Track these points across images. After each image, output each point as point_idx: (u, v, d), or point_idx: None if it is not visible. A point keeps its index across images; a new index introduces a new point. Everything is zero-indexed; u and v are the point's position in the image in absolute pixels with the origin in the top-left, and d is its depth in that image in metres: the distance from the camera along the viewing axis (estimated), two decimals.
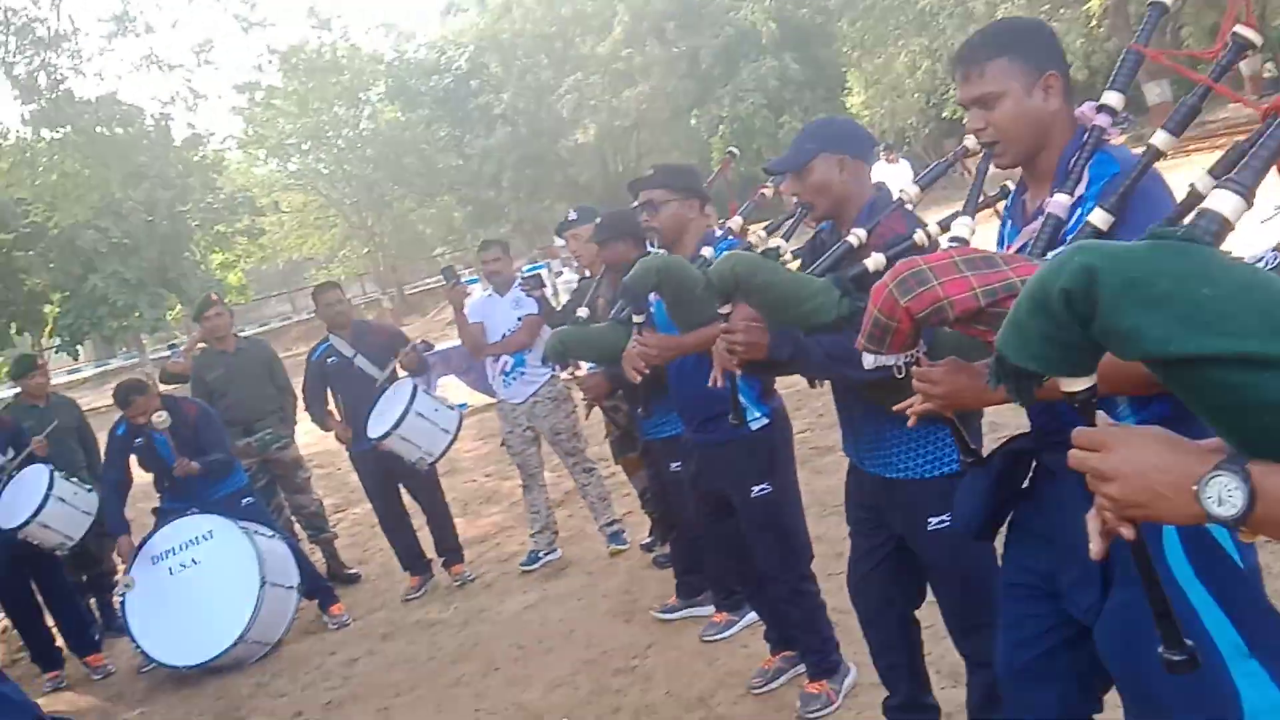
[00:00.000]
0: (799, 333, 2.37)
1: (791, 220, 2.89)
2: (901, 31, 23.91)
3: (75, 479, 5.45)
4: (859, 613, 2.89)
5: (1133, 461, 1.08)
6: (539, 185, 30.95)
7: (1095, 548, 1.19)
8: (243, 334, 7.04)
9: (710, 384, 2.76)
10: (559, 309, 5.27)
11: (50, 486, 5.19)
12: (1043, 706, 1.96)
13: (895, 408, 1.99)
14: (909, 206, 2.30)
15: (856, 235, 2.30)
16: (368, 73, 34.13)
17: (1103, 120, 1.78)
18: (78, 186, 12.33)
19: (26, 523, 5.11)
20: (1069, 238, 1.71)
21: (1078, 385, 1.14)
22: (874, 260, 2.12)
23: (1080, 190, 1.74)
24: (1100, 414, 1.18)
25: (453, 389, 10.03)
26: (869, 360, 1.80)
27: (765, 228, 3.19)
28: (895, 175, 11.31)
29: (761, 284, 2.19)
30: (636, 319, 3.27)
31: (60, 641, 5.63)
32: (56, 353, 27.51)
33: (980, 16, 19.73)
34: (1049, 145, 1.86)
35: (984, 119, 1.87)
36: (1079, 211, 1.73)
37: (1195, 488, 1.01)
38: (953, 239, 1.85)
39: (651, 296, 3.25)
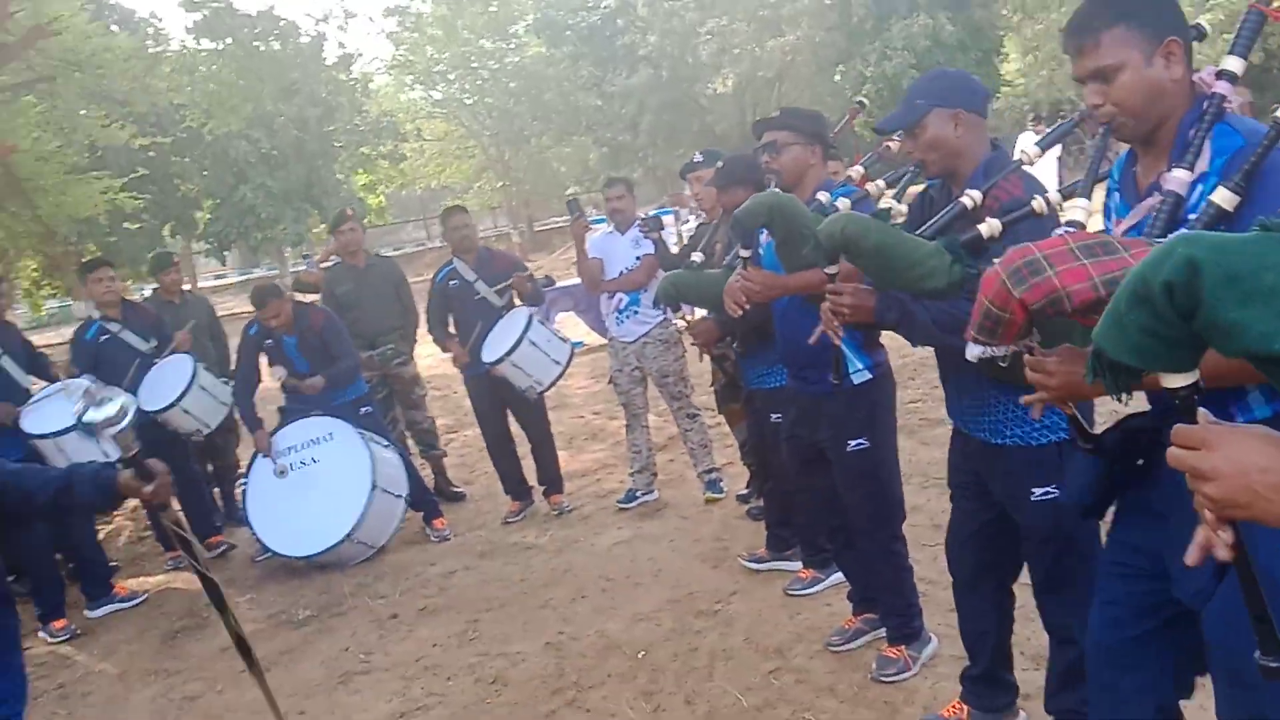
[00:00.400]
0: (907, 297, 2.34)
1: (908, 177, 2.84)
2: None
3: (210, 371, 5.77)
4: (955, 577, 2.87)
5: (1234, 461, 1.05)
6: (676, 132, 30.72)
7: (1192, 556, 1.17)
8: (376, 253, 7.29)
9: (811, 341, 2.74)
10: (676, 254, 5.27)
11: (194, 375, 5.54)
12: (1130, 689, 1.92)
13: (1024, 400, 1.91)
14: (1027, 167, 2.23)
15: (971, 197, 2.24)
16: (515, 4, 34.36)
17: (1223, 87, 1.68)
18: (232, 96, 12.87)
19: (170, 406, 5.46)
20: (1190, 218, 1.63)
21: (1179, 381, 1.11)
22: (989, 226, 2.06)
23: (1202, 166, 1.65)
24: (1202, 411, 1.14)
25: (570, 326, 10.22)
26: (974, 351, 1.74)
27: (885, 179, 3.15)
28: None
29: (872, 246, 2.14)
30: (744, 254, 3.23)
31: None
32: (205, 257, 29.02)
33: None
34: (1170, 116, 1.75)
35: (1102, 93, 1.76)
36: (1200, 188, 1.64)
37: None
38: (1068, 224, 1.77)
39: (763, 237, 3.24)
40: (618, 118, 31.02)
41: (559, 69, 32.60)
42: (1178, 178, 1.66)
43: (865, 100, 5.07)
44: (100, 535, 5.86)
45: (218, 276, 33.50)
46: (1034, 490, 2.48)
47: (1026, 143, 2.70)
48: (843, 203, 3.06)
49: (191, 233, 26.79)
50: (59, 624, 4.95)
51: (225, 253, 28.37)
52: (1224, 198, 1.53)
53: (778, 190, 3.15)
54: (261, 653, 4.36)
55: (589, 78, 31.56)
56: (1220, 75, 1.71)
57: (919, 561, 3.58)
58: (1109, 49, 1.74)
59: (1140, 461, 1.89)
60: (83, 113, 12.91)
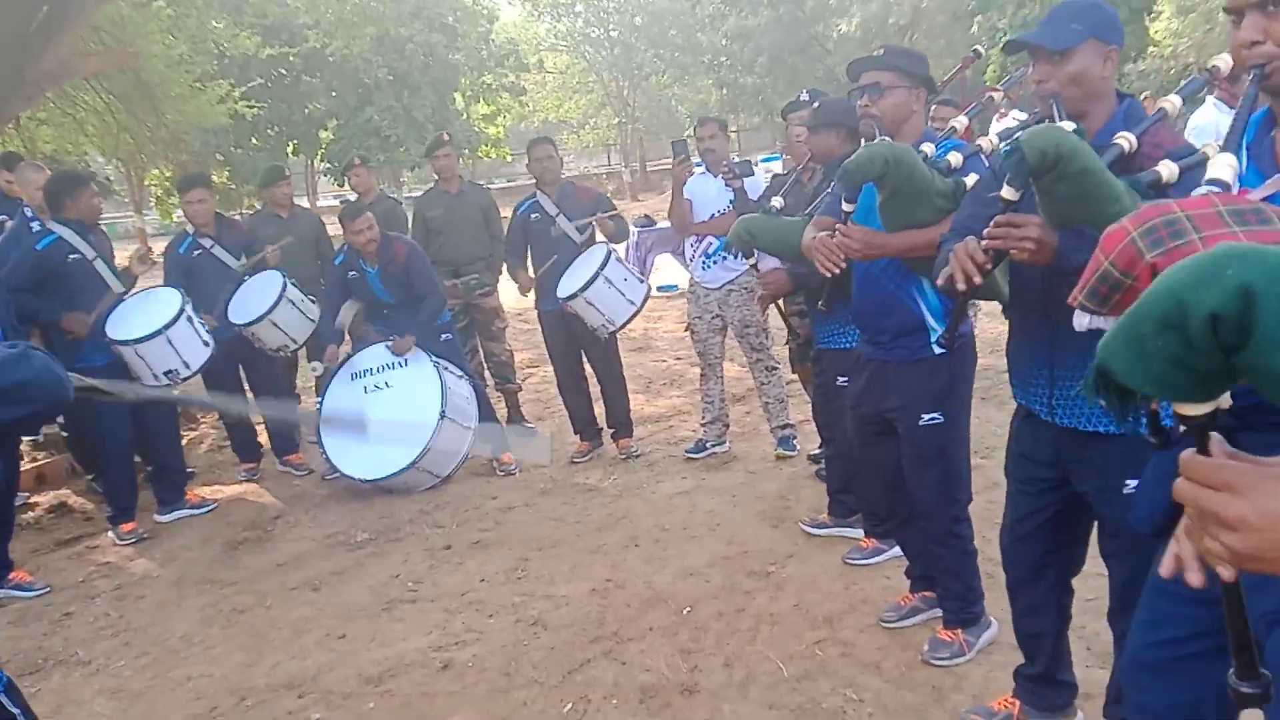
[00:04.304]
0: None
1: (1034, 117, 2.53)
2: None
3: (300, 289, 5.82)
4: (1010, 574, 2.66)
5: (1265, 513, 0.87)
6: (798, 75, 29.82)
7: (1167, 568, 1.01)
8: (481, 184, 7.24)
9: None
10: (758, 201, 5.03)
11: (284, 290, 5.60)
12: (1166, 709, 1.74)
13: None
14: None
15: (1126, 139, 1.98)
16: None
17: None
18: (357, 15, 12.93)
19: (260, 319, 5.55)
20: None
21: (1198, 410, 0.93)
22: (1167, 168, 1.79)
23: None
24: (1215, 438, 0.94)
25: (666, 268, 10.05)
26: (1082, 321, 1.51)
27: (999, 134, 2.86)
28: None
29: (1080, 170, 1.85)
30: (847, 207, 2.99)
31: (263, 438, 6.14)
32: (325, 176, 29.65)
33: None
34: None
35: (1263, 29, 1.49)
36: None
37: None
38: (1210, 181, 1.50)
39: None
40: (738, 57, 30.34)
41: (684, 4, 32.01)
42: None
43: (981, 49, 4.71)
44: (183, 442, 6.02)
45: (336, 197, 34.31)
46: (1128, 482, 2.24)
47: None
48: (954, 156, 2.81)
49: (314, 151, 27.37)
50: (128, 527, 5.08)
51: (345, 174, 28.93)
52: None
53: (891, 140, 2.89)
54: (314, 571, 4.44)
55: (714, 15, 30.88)
56: None
57: (989, 540, 3.35)
58: None
59: None
60: (215, 23, 13.14)
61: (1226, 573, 0.93)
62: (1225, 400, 0.94)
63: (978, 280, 2.06)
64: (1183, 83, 2.14)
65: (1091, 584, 2.83)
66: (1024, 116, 2.78)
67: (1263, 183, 1.52)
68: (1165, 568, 0.97)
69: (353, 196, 6.42)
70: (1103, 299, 1.40)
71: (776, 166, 9.56)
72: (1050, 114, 2.44)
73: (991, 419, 5.30)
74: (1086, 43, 2.14)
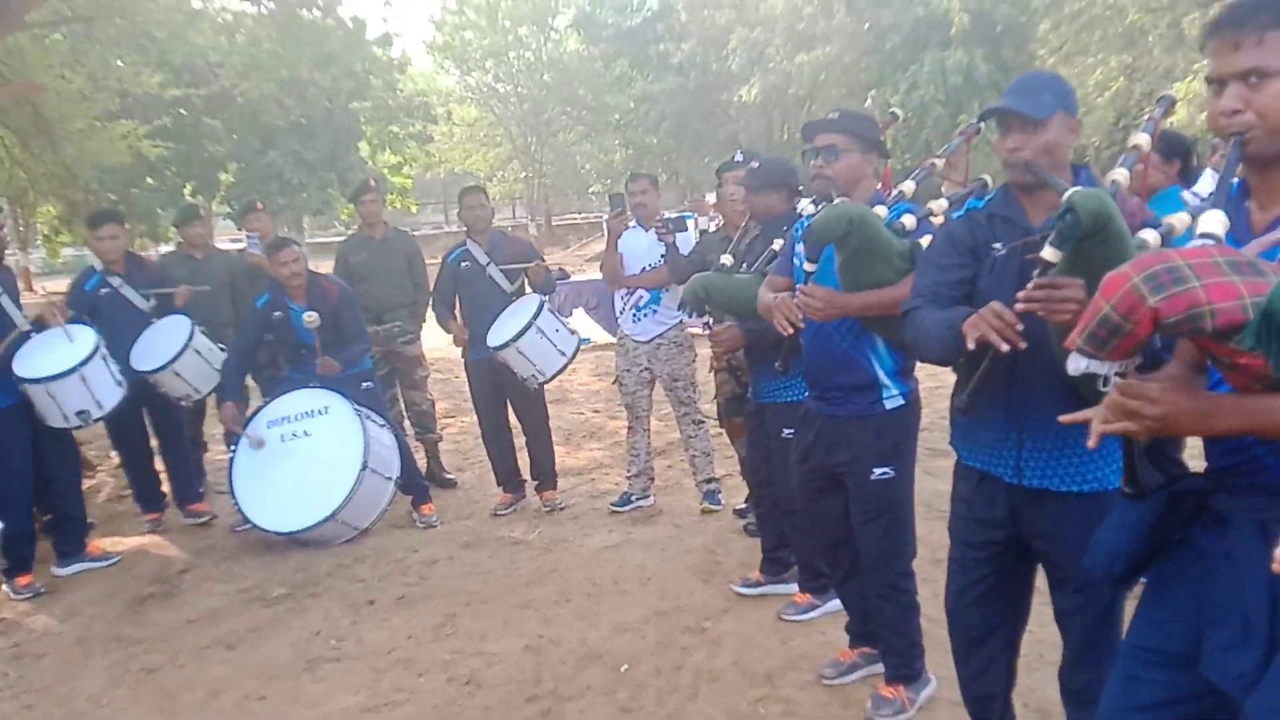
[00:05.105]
0: None
1: (967, 193, 2.66)
2: (1104, 44, 22.44)
3: (209, 335, 5.60)
4: (958, 637, 2.64)
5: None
6: (701, 140, 30.57)
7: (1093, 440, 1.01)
8: (407, 230, 7.12)
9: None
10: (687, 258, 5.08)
11: (190, 338, 5.37)
12: None
13: (1063, 419, 1.71)
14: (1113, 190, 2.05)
15: None
16: None
17: None
18: (268, 58, 12.71)
19: (162, 368, 5.30)
20: None
21: None
22: (1151, 235, 1.85)
23: None
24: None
25: (578, 322, 10.06)
26: (1077, 364, 1.52)
27: (948, 198, 2.96)
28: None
29: (1117, 232, 1.87)
30: (809, 267, 3.03)
31: (166, 487, 5.85)
32: (224, 220, 28.86)
33: (1193, 42, 18.31)
34: None
35: (1245, 99, 1.56)
36: None
37: None
38: (1203, 235, 1.54)
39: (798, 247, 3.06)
40: (644, 120, 30.93)
41: (594, 66, 32.50)
42: None
43: (899, 112, 4.90)
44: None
45: (233, 241, 33.42)
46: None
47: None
48: (908, 219, 2.89)
49: (213, 193, 26.67)
50: (24, 580, 4.77)
51: (243, 219, 28.22)
52: None
53: (847, 200, 2.95)
54: (228, 628, 4.23)
55: (622, 77, 31.46)
56: None
57: (922, 599, 3.40)
58: (1272, 50, 1.55)
59: (1179, 534, 1.71)
60: (119, 63, 12.73)
61: None
62: None
63: (1022, 344, 2.03)
64: (1120, 156, 2.25)
65: (1025, 639, 2.88)
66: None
67: (1239, 249, 1.60)
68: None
69: (249, 245, 6.20)
70: (1101, 342, 1.43)
71: (689, 224, 9.73)
72: (980, 190, 2.56)
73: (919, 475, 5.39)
74: (1058, 113, 2.24)
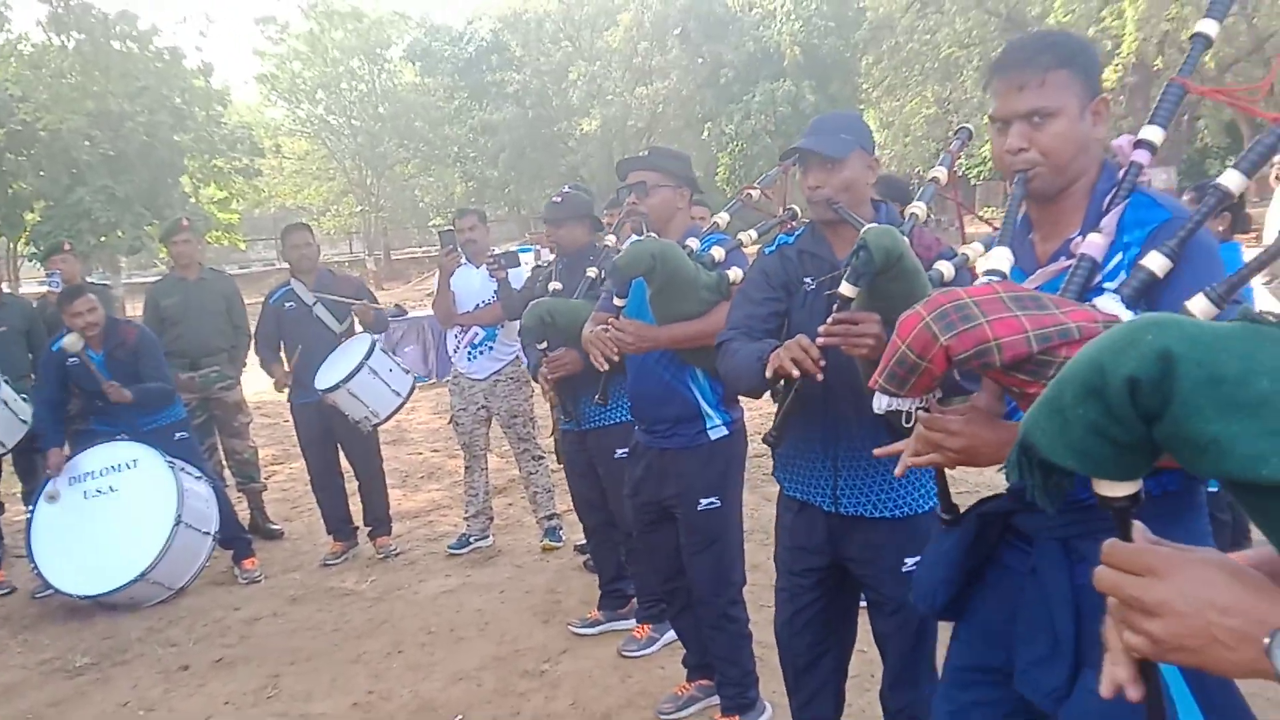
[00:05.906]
0: None
1: (778, 225, 2.72)
2: (923, 78, 23.82)
3: (11, 385, 5.18)
4: (789, 661, 2.67)
5: (1189, 598, 0.83)
6: (541, 170, 30.67)
7: (1107, 688, 0.92)
8: (224, 270, 6.76)
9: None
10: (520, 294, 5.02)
11: None
12: None
13: (877, 452, 1.78)
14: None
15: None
16: (389, 28, 33.73)
17: (1141, 156, 1.60)
18: (74, 91, 12.02)
19: None
20: (1107, 285, 1.52)
21: (1119, 490, 0.92)
22: (947, 267, 1.89)
23: (1110, 232, 1.55)
24: (1138, 526, 0.94)
25: (415, 361, 9.83)
26: (881, 403, 1.56)
27: (757, 229, 3.02)
28: None
29: (911, 268, 1.91)
30: (618, 302, 3.05)
31: None
32: (30, 261, 26.97)
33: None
34: (1082, 178, 1.64)
35: (1028, 138, 1.61)
36: (1120, 256, 1.54)
37: (1268, 641, 0.79)
38: (989, 271, 1.61)
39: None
40: (483, 151, 30.84)
41: (429, 99, 32.16)
42: (1093, 242, 1.54)
43: (970, 128, 4.96)
44: None
45: (42, 283, 31.20)
46: (906, 560, 2.36)
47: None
48: (717, 251, 2.92)
49: (17, 234, 24.90)
50: None
51: (48, 261, 26.46)
52: (1157, 263, 1.43)
53: (656, 236, 2.99)
54: (26, 704, 3.88)
55: (459, 109, 31.27)
56: (1139, 144, 1.61)
57: (756, 624, 3.42)
58: (1053, 90, 1.60)
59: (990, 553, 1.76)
60: None
61: (1136, 694, 0.90)
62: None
63: (819, 375, 2.07)
64: (919, 190, 2.33)
65: (856, 659, 2.93)
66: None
67: (1025, 279, 1.67)
68: (1105, 688, 0.92)
69: (60, 287, 5.73)
70: (901, 381, 1.47)
71: (529, 258, 9.66)
72: (790, 220, 2.63)
73: (748, 501, 5.47)
74: (855, 152, 2.32)
